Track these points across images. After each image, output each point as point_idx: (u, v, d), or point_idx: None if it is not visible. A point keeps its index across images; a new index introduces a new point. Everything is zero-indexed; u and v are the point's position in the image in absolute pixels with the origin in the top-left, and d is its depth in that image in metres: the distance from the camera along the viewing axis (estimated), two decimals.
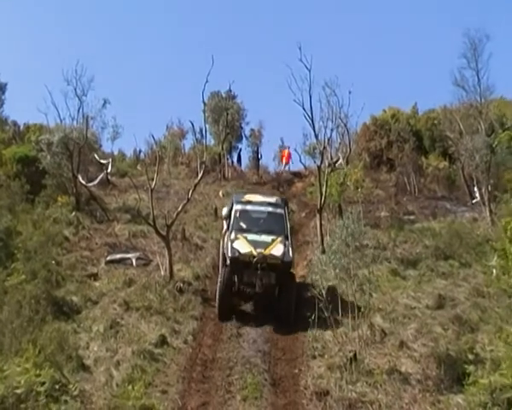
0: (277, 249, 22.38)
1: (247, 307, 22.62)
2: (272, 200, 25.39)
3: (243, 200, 24.82)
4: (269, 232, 23.13)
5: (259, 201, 24.99)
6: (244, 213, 24.16)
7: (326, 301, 17.58)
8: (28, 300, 18.85)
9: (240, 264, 22.05)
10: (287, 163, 44.93)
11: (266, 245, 22.45)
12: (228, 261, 22.39)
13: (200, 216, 29.98)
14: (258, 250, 22.04)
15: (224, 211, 25.02)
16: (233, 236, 22.85)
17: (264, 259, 21.89)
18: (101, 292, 21.40)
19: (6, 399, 13.17)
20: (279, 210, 24.46)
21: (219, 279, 22.19)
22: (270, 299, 22.06)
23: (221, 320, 21.03)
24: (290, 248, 22.90)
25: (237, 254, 22.07)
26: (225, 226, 24.68)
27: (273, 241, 22.68)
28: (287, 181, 40.80)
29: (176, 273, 22.60)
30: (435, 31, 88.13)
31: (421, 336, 17.51)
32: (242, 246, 22.35)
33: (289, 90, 28.88)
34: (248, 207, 24.38)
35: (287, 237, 23.34)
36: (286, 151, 44.80)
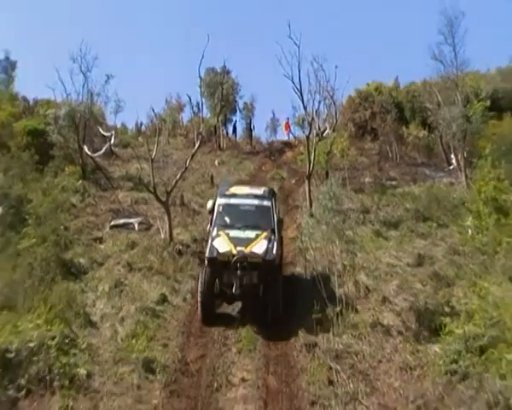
0: (260, 246, 19.16)
1: (232, 308, 19.71)
2: (259, 192, 21.90)
3: (228, 193, 21.48)
4: (254, 227, 19.92)
5: (245, 193, 21.62)
6: (228, 208, 20.92)
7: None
8: (39, 262, 18.89)
9: (218, 264, 18.89)
10: (287, 132, 45.04)
11: (248, 242, 19.23)
12: (206, 262, 19.28)
13: (197, 183, 29.89)
14: (239, 248, 18.84)
15: (209, 204, 21.97)
16: (215, 232, 19.72)
17: (244, 258, 18.71)
18: (106, 254, 21.43)
19: (20, 352, 13.43)
20: (266, 202, 21.16)
21: (200, 281, 19.07)
22: (255, 299, 18.94)
23: (205, 325, 18.14)
24: (275, 244, 19.53)
25: (215, 253, 18.89)
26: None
27: (257, 236, 19.50)
28: (278, 150, 40.75)
29: (175, 237, 22.59)
30: (415, 9, 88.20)
31: (401, 291, 17.57)
32: (222, 244, 19.12)
33: (280, 66, 28.70)
34: (233, 201, 21.07)
35: (273, 232, 20.16)
36: (285, 122, 44.99)
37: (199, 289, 18.78)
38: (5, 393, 12.80)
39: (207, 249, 19.20)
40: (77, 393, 13.08)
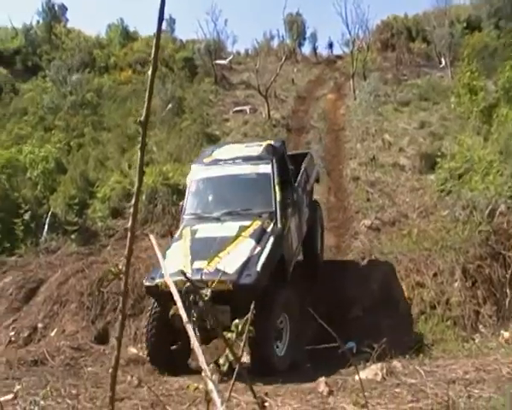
0: (233, 258, 6.92)
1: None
2: (253, 152, 8.40)
3: (207, 160, 8.60)
4: (241, 214, 7.73)
5: (232, 157, 8.42)
6: (205, 184, 8.40)
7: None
8: (192, 134, 19.24)
9: (165, 296, 6.17)
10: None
11: (217, 250, 7.03)
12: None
13: (283, 83, 29.36)
14: (197, 266, 6.81)
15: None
16: (178, 232, 7.95)
17: (203, 285, 5.39)
18: (231, 128, 21.53)
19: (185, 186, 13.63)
20: (262, 168, 8.05)
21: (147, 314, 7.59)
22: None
23: (153, 365, 7.31)
24: (269, 246, 7.19)
25: (155, 280, 6.90)
26: None
27: (238, 235, 7.29)
28: (333, 61, 39.28)
29: (271, 116, 22.43)
30: None
31: (411, 144, 17.22)
32: (173, 260, 6.84)
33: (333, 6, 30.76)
34: (212, 173, 8.40)
35: (274, 219, 7.68)
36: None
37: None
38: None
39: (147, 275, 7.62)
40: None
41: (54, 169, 16.04)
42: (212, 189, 8.23)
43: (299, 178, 9.22)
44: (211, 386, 1.72)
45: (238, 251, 7.00)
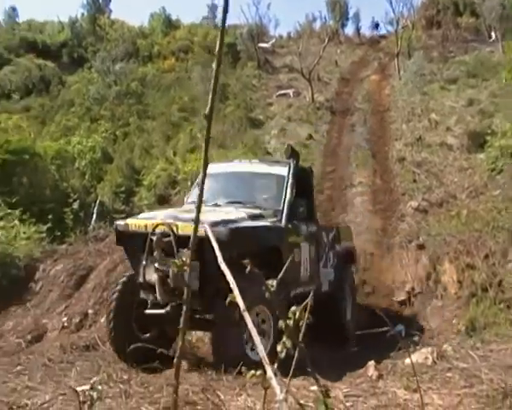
0: (215, 215, 5.61)
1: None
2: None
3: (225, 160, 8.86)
4: (243, 203, 6.46)
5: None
6: (214, 179, 6.62)
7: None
8: (236, 119, 19.25)
9: (133, 241, 5.79)
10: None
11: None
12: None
13: (327, 66, 28.97)
14: (175, 213, 5.92)
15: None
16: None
17: (170, 228, 5.34)
18: (274, 112, 21.40)
19: None
20: (278, 169, 6.96)
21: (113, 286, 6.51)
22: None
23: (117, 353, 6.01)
24: (263, 223, 6.07)
25: (123, 223, 6.00)
26: None
27: (232, 213, 5.99)
28: (376, 41, 38.51)
29: (315, 99, 22.17)
30: None
31: (458, 122, 16.72)
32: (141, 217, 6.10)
33: None
34: (225, 169, 7.26)
35: (280, 215, 6.36)
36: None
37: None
38: None
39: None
40: None
41: (100, 159, 16.38)
42: (222, 182, 7.08)
43: (330, 235, 7.74)
44: (270, 373, 1.68)
45: (224, 213, 5.98)
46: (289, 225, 6.38)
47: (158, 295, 5.43)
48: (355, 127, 18.77)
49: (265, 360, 1.65)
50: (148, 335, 5.97)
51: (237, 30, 32.57)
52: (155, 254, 5.37)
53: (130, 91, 23.65)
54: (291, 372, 1.84)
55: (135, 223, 5.89)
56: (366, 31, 45.82)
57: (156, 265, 5.35)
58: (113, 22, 34.29)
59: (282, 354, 1.84)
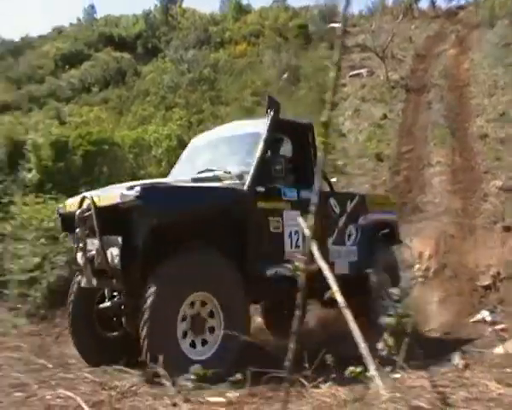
0: (146, 183, 4.51)
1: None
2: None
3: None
4: (213, 172, 5.18)
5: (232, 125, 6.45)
6: (194, 151, 6.38)
7: None
8: (309, 102, 18.96)
9: (67, 221, 5.01)
10: None
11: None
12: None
13: (401, 43, 28.06)
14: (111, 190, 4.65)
15: None
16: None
17: (93, 203, 4.31)
18: (348, 93, 21.01)
19: None
20: (254, 127, 5.67)
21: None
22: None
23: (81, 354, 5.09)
24: (211, 187, 4.80)
25: (62, 207, 5.22)
26: None
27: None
28: (453, 13, 36.87)
29: (389, 77, 21.54)
30: None
31: None
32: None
33: None
34: (204, 140, 6.44)
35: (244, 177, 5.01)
36: None
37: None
38: None
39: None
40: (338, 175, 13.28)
41: (176, 146, 16.63)
42: (202, 151, 6.13)
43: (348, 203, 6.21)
44: (373, 371, 1.59)
45: (168, 180, 5.22)
46: (259, 188, 5.06)
47: (84, 278, 4.62)
48: (432, 105, 18.05)
49: (368, 359, 1.53)
50: (114, 333, 5.20)
51: (308, 11, 32.22)
52: (77, 231, 4.54)
53: (203, 78, 23.91)
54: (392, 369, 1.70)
55: (72, 203, 4.96)
56: (442, 3, 44.29)
57: (80, 244, 4.54)
58: (185, 11, 34.81)
59: (384, 352, 1.68)
